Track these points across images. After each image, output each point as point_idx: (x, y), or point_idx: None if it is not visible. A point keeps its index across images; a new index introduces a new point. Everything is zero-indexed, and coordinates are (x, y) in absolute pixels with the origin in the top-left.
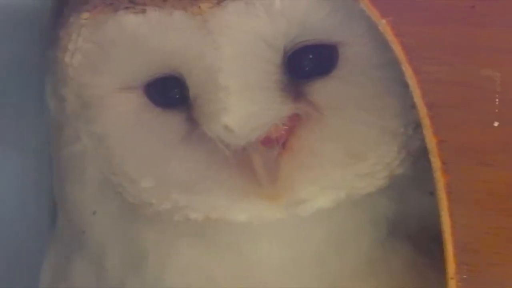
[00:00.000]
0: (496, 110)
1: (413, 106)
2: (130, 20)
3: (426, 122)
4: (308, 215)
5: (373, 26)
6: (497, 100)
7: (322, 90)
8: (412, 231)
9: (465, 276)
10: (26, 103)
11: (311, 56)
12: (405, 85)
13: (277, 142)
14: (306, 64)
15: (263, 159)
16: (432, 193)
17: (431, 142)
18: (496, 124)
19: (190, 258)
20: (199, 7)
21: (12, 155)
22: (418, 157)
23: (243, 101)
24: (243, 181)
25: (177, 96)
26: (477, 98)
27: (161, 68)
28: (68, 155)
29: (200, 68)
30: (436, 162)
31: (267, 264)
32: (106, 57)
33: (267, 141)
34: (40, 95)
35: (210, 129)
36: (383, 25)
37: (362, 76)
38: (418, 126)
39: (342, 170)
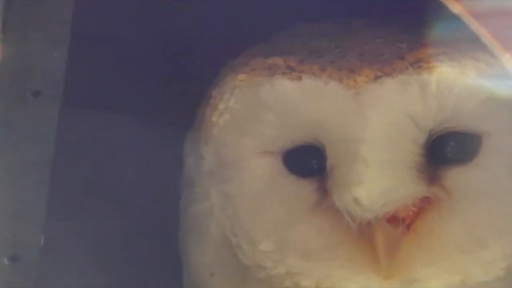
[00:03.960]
0: None
1: None
2: (285, 85)
3: None
4: None
5: None
6: None
7: (459, 177)
8: None
9: None
10: None
11: (452, 143)
12: None
13: (402, 222)
14: (448, 150)
15: (386, 237)
16: None
17: None
18: None
19: None
20: (355, 80)
21: None
22: None
23: (379, 176)
24: (362, 254)
25: (314, 166)
26: None
27: (305, 136)
28: (195, 213)
29: (344, 137)
30: None
31: None
32: (254, 120)
33: (393, 220)
34: None
35: (340, 200)
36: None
37: (502, 167)
38: None
39: (462, 256)
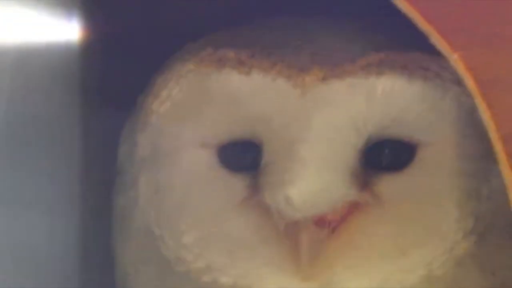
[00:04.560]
0: None
1: (472, 215)
2: (233, 78)
3: (502, 156)
4: None
5: (460, 130)
6: None
7: (390, 184)
8: None
9: None
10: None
11: (387, 151)
12: (469, 194)
13: (328, 225)
14: (383, 157)
15: (310, 238)
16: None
17: (508, 177)
18: None
19: None
20: (304, 79)
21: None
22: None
23: (314, 177)
24: (284, 254)
25: (248, 162)
26: None
27: (245, 130)
28: (121, 203)
29: (285, 135)
30: None
31: None
32: (197, 111)
33: (320, 222)
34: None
35: (271, 197)
36: (455, 60)
37: (432, 179)
38: (469, 233)
39: (382, 262)
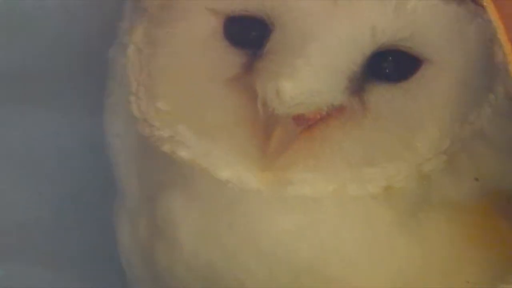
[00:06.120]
0: None
1: (449, 137)
2: None
3: (511, 59)
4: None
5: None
6: None
7: (381, 94)
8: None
9: None
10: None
11: (391, 59)
12: (454, 119)
13: (306, 122)
14: (384, 66)
15: (284, 131)
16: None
17: None
18: None
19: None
20: None
21: None
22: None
23: (312, 78)
24: (251, 142)
25: (252, 39)
26: None
27: (260, 5)
28: (112, 53)
29: (299, 25)
30: None
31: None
32: None
33: (299, 119)
34: None
35: (261, 85)
36: None
37: (423, 99)
38: (440, 153)
39: (344, 168)
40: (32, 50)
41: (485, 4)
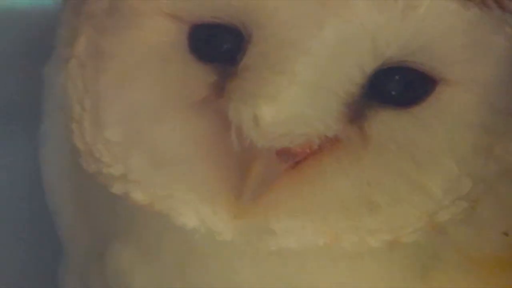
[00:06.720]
0: None
1: (471, 176)
2: None
3: None
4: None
5: (497, 76)
6: None
7: (384, 121)
8: None
9: None
10: None
11: (398, 78)
12: (477, 152)
13: (292, 158)
14: (391, 86)
15: (264, 170)
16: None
17: None
18: None
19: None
20: None
21: None
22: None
23: (299, 100)
24: (224, 182)
25: (224, 52)
26: None
27: (233, 12)
28: (48, 67)
29: (282, 34)
30: None
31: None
32: None
33: (283, 153)
34: None
35: (235, 111)
36: None
37: (440, 126)
38: (459, 198)
39: (340, 215)
40: None
41: None
